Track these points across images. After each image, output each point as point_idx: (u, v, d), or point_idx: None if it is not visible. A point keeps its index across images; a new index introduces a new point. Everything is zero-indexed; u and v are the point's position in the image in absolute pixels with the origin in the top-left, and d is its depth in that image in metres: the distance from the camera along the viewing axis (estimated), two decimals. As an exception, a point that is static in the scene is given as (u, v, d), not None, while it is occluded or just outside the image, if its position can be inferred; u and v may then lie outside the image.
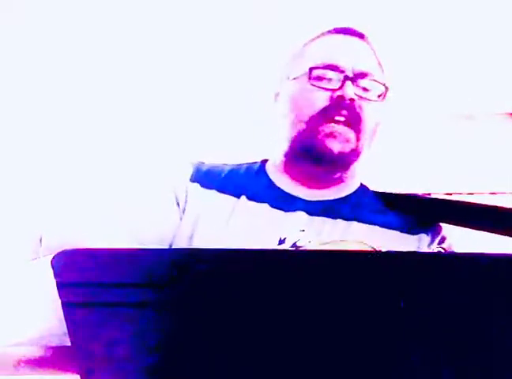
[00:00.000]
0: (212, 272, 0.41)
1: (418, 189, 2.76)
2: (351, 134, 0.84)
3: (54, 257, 0.40)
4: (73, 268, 0.41)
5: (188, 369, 0.42)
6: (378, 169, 2.92)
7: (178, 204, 0.88)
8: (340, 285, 0.40)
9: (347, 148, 0.84)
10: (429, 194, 2.73)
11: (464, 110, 2.95)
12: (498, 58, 2.46)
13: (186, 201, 0.87)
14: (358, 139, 0.85)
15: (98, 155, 2.62)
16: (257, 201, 0.87)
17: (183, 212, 0.87)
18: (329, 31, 0.89)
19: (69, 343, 0.42)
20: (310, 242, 0.80)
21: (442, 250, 0.82)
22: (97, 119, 2.69)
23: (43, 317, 0.85)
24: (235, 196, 0.88)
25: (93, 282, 0.41)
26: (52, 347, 0.75)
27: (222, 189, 0.89)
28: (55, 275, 0.41)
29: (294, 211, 0.86)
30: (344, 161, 0.86)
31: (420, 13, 2.14)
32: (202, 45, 2.37)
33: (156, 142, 2.68)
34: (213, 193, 0.88)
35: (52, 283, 0.41)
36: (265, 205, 0.87)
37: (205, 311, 0.41)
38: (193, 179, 0.90)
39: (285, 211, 0.86)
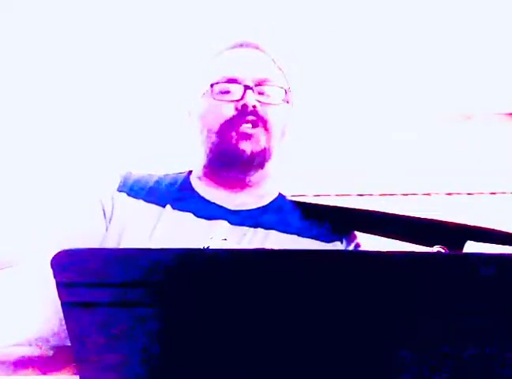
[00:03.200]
0: (212, 272, 0.41)
1: (418, 190, 2.77)
2: (260, 132, 0.89)
3: (54, 257, 0.40)
4: (73, 268, 0.41)
5: (188, 368, 0.42)
6: (379, 169, 2.92)
7: (104, 213, 0.89)
8: (340, 285, 0.40)
9: (258, 147, 0.89)
10: (429, 194, 2.73)
11: (464, 110, 2.95)
12: (498, 58, 2.46)
13: (112, 211, 0.89)
14: (268, 138, 0.90)
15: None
16: (182, 210, 0.90)
17: (109, 222, 0.88)
18: (227, 48, 0.95)
19: (69, 343, 0.42)
20: None
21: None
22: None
23: (43, 316, 0.85)
24: (160, 205, 0.90)
25: (93, 282, 0.41)
26: (52, 347, 0.75)
27: (148, 199, 0.91)
28: (55, 275, 0.41)
29: (217, 220, 0.89)
30: (258, 160, 0.90)
31: (420, 13, 2.14)
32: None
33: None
34: (140, 202, 0.91)
35: (52, 282, 0.41)
36: (190, 214, 0.90)
37: (205, 311, 0.41)
38: (121, 189, 0.92)
39: (208, 220, 0.89)
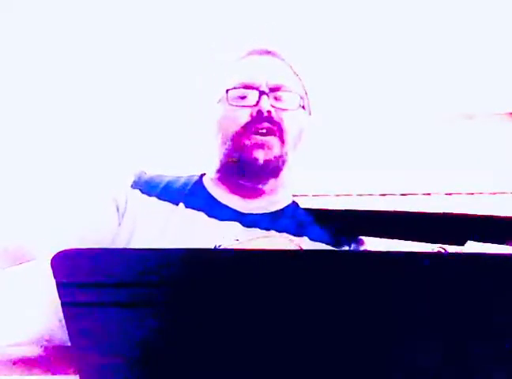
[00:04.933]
0: (213, 272, 0.41)
1: (418, 189, 2.76)
2: (274, 141, 0.89)
3: (54, 257, 0.40)
4: (73, 268, 0.41)
5: (188, 368, 0.42)
6: (379, 169, 2.92)
7: (117, 209, 0.90)
8: (340, 285, 0.40)
9: (271, 155, 0.89)
10: (429, 194, 2.73)
11: (465, 109, 2.95)
12: (498, 58, 2.46)
13: (125, 207, 0.90)
14: (282, 146, 0.90)
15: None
16: (195, 209, 0.91)
17: (122, 217, 0.89)
18: (245, 53, 0.96)
19: (69, 343, 0.42)
20: None
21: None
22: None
23: (43, 317, 0.85)
24: (173, 203, 0.91)
25: (93, 282, 0.41)
26: (52, 347, 0.75)
27: (161, 197, 0.92)
28: (55, 275, 0.41)
29: (229, 221, 0.89)
30: (272, 168, 0.90)
31: (421, 12, 2.14)
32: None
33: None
34: (153, 199, 0.92)
35: (52, 283, 0.41)
36: (202, 214, 0.90)
37: (205, 311, 0.41)
38: (134, 186, 0.94)
39: (221, 220, 0.90)
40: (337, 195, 2.74)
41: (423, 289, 0.40)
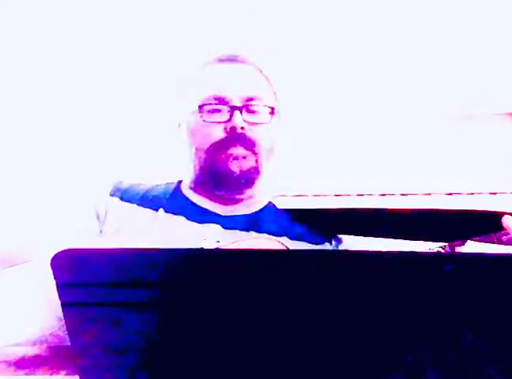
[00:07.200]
0: (212, 272, 0.41)
1: (418, 189, 2.77)
2: (248, 154, 0.89)
3: (53, 257, 0.40)
4: (73, 268, 0.41)
5: (187, 368, 0.42)
6: (379, 169, 2.92)
7: (98, 217, 0.91)
8: (339, 285, 0.40)
9: (246, 166, 0.89)
10: (429, 194, 2.74)
11: (464, 110, 2.96)
12: (498, 58, 2.46)
13: (106, 214, 0.91)
14: (256, 158, 0.90)
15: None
16: (175, 214, 0.91)
17: (103, 225, 0.90)
18: (215, 60, 0.94)
19: (69, 343, 0.42)
20: None
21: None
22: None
23: (43, 317, 0.85)
24: (153, 209, 0.92)
25: (93, 282, 0.41)
26: (52, 347, 0.75)
27: (142, 204, 0.93)
28: (55, 276, 0.41)
29: (209, 223, 0.90)
30: (247, 179, 0.90)
31: (420, 12, 2.14)
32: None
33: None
34: (133, 206, 0.92)
35: (52, 283, 0.41)
36: (182, 218, 0.91)
37: (204, 311, 0.41)
38: (113, 194, 0.94)
39: (201, 223, 0.90)
40: (337, 195, 2.74)
41: (421, 289, 0.40)
